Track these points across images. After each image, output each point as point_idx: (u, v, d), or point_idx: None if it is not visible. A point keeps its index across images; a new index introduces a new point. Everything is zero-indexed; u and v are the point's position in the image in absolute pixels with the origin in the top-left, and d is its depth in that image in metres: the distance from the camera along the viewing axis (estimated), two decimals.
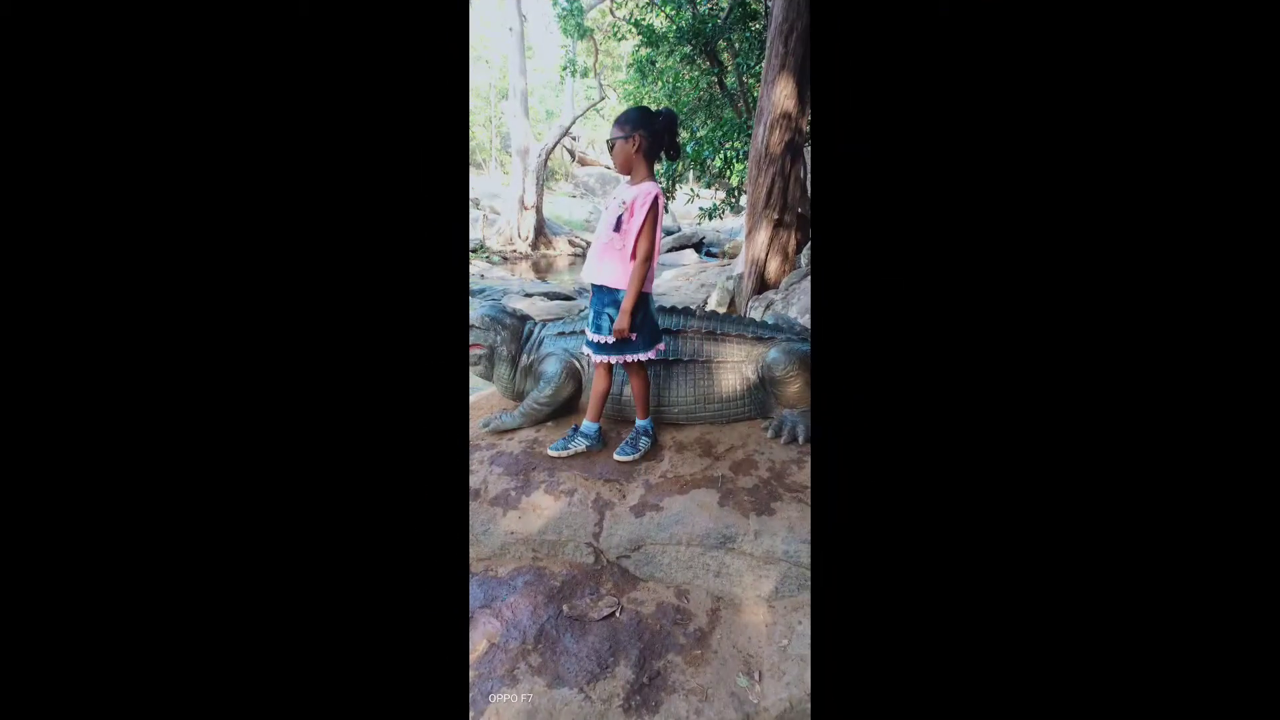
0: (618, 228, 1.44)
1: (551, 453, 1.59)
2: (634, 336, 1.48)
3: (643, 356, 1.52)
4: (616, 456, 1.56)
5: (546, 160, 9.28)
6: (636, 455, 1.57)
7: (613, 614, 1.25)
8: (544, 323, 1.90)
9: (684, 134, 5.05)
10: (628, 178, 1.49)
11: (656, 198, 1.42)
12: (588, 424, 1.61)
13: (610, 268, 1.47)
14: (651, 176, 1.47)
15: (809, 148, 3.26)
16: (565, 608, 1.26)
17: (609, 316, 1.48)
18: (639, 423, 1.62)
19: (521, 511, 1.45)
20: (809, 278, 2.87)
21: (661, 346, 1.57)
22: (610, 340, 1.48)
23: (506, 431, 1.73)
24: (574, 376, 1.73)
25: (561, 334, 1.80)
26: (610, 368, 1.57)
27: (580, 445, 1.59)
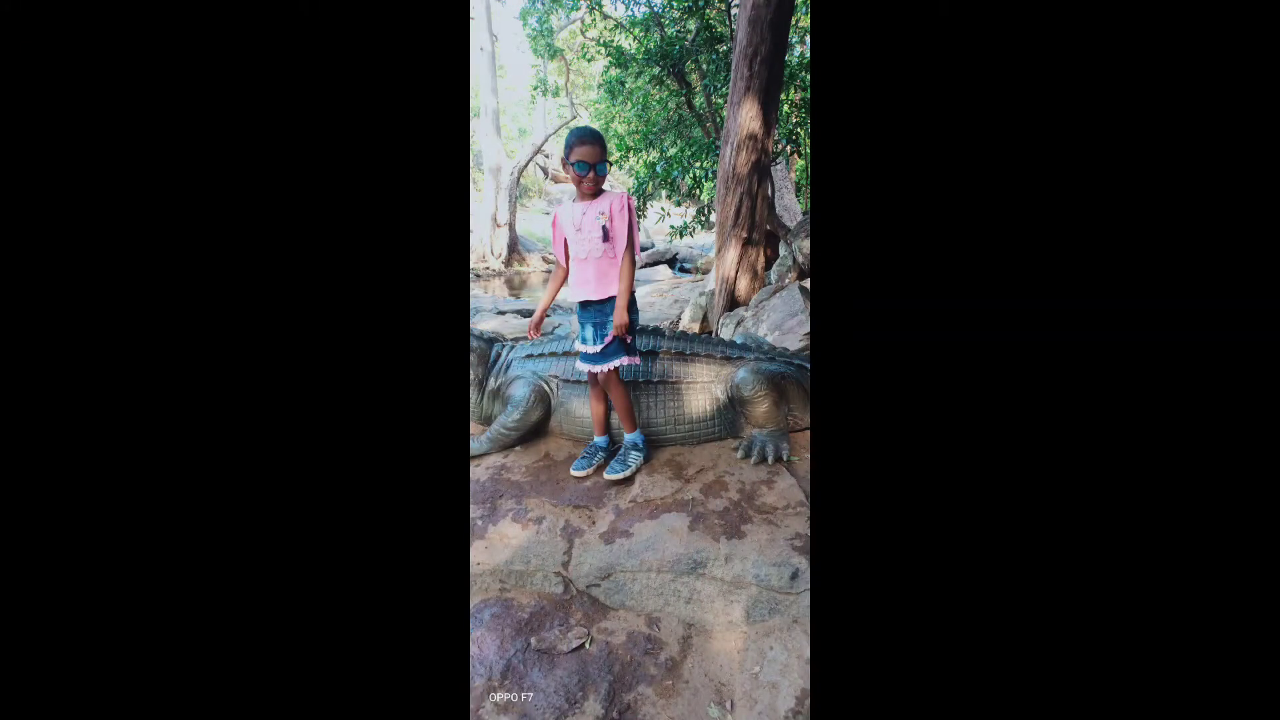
0: (606, 238, 1.47)
1: (609, 476, 1.55)
2: (630, 339, 1.51)
3: (636, 360, 1.55)
4: (607, 475, 1.55)
5: (519, 178, 9.45)
6: (629, 471, 1.55)
7: (582, 645, 1.23)
8: (512, 344, 1.89)
9: (654, 153, 5.14)
10: (578, 200, 1.52)
11: (630, 200, 1.50)
12: (631, 437, 1.60)
13: (606, 278, 1.49)
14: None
15: (776, 167, 3.34)
16: (533, 640, 1.24)
17: (597, 328, 1.50)
18: (628, 437, 1.61)
19: (488, 542, 1.44)
20: (778, 294, 2.93)
21: (637, 360, 1.58)
22: (607, 344, 1.49)
23: (474, 458, 1.72)
24: (543, 400, 1.73)
25: (530, 356, 1.80)
26: (618, 378, 1.57)
27: (638, 461, 1.58)
